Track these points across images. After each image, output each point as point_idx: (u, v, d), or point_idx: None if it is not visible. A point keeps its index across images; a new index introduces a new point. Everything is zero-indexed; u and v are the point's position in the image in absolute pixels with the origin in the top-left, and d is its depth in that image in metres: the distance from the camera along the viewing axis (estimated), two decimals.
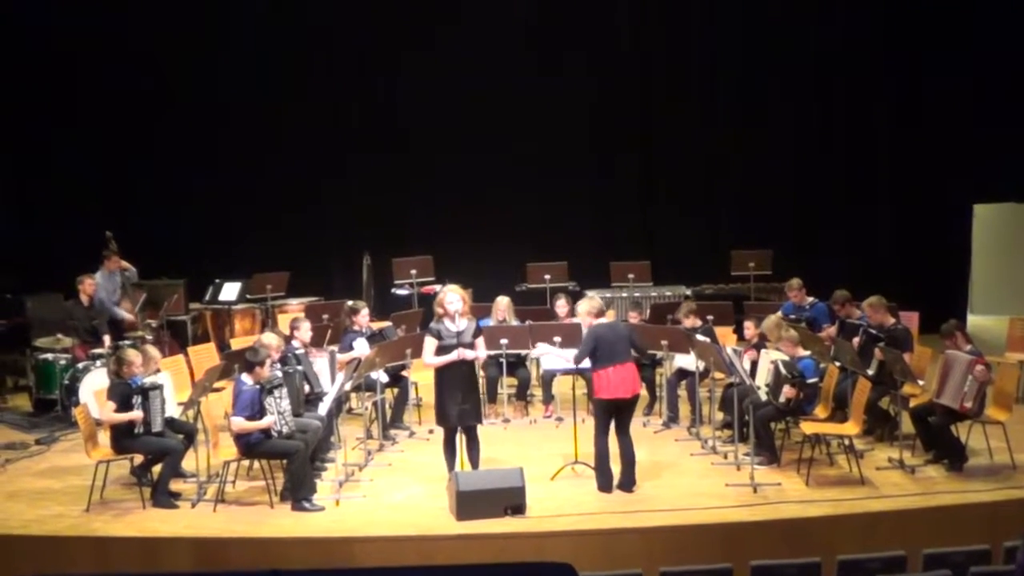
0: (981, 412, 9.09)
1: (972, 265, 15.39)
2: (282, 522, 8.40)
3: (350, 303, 11.26)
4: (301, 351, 9.89)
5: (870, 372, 9.57)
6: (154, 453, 8.90)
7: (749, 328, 10.33)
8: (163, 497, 8.72)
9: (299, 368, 9.52)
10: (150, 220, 14.51)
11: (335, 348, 10.68)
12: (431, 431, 10.56)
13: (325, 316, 11.77)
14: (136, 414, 8.66)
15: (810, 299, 11.38)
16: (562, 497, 8.72)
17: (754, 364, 9.92)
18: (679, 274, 14.20)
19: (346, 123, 15.30)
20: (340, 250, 15.15)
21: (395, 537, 8.12)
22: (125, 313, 11.89)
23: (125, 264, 12.35)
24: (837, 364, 9.68)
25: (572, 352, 9.13)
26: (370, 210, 15.10)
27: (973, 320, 14.95)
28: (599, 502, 8.62)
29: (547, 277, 13.47)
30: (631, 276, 13.49)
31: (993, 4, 14.38)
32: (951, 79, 14.64)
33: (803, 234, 15.02)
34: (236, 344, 11.93)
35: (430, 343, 8.74)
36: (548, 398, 11.30)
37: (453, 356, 8.64)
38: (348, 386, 9.50)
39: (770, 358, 9.55)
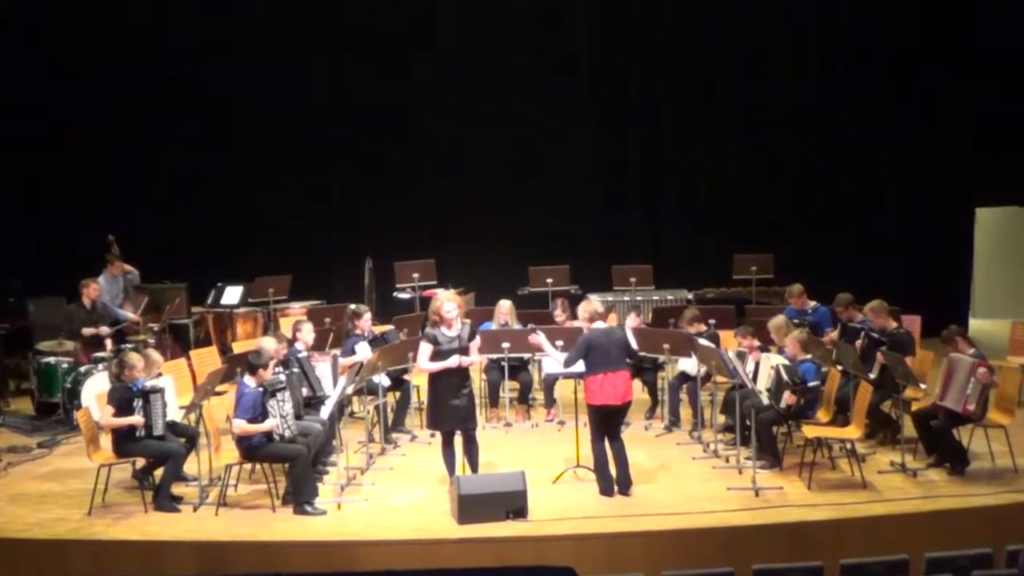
0: (984, 416, 9.09)
1: (974, 269, 15.39)
2: (284, 526, 8.39)
3: (352, 307, 11.26)
4: (304, 355, 9.90)
5: (872, 376, 9.58)
6: (156, 457, 8.89)
7: (743, 340, 10.23)
8: (165, 501, 8.72)
9: (295, 371, 9.51)
10: (152, 223, 14.53)
11: (337, 352, 10.68)
12: (433, 435, 10.53)
13: (327, 320, 11.77)
14: (137, 418, 8.66)
15: (812, 303, 11.37)
16: (564, 501, 8.71)
17: (757, 365, 9.91)
18: (681, 278, 14.20)
19: (349, 126, 15.30)
20: (342, 254, 15.15)
21: (397, 541, 8.11)
22: (128, 314, 11.89)
23: (128, 267, 12.37)
24: (839, 368, 9.68)
25: (565, 355, 9.08)
26: (372, 214, 15.13)
27: (975, 324, 14.95)
28: (601, 506, 8.61)
29: (549, 281, 13.46)
30: (633, 280, 13.50)
31: (994, 9, 14.39)
32: (953, 82, 14.66)
33: (805, 238, 15.02)
34: (238, 348, 11.93)
35: (425, 348, 8.74)
36: (550, 402, 11.30)
37: (452, 363, 8.64)
38: (350, 390, 9.50)
39: (771, 362, 9.54)
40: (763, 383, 9.56)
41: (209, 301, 13.76)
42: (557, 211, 15.11)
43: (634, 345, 9.14)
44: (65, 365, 11.41)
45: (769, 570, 6.64)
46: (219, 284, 13.79)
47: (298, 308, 13.30)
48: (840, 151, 15.26)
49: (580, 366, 8.80)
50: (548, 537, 8.07)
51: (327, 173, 15.28)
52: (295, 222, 14.98)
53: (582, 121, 15.32)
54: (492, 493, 8.29)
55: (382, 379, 10.16)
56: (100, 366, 11.19)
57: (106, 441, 8.98)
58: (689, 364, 10.54)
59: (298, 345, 9.94)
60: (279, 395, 8.67)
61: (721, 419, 10.34)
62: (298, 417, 9.03)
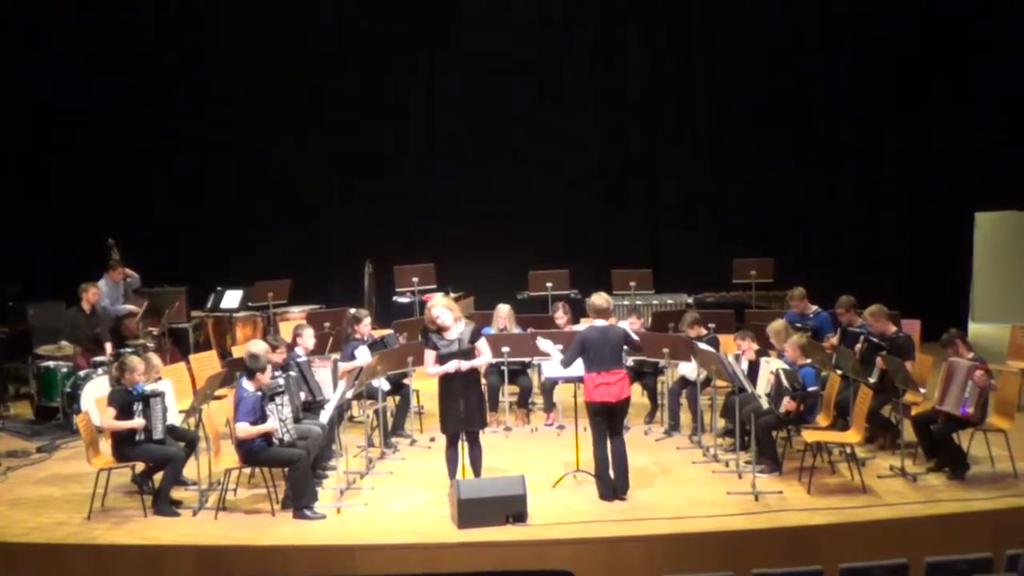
0: (983, 420, 9.09)
1: (973, 273, 15.40)
2: (283, 530, 8.39)
3: (352, 311, 11.25)
4: (304, 359, 9.90)
5: (872, 380, 9.58)
6: (155, 461, 8.89)
7: (742, 344, 10.24)
8: (164, 505, 8.72)
9: (292, 374, 9.51)
10: (152, 227, 14.55)
11: (337, 356, 10.68)
12: (432, 439, 10.57)
13: (327, 324, 11.78)
14: (138, 422, 8.66)
15: (814, 308, 11.35)
16: (563, 505, 8.71)
17: (751, 365, 9.92)
18: (681, 282, 14.20)
19: (349, 132, 15.31)
20: (342, 258, 15.16)
21: (396, 545, 8.11)
22: (128, 306, 11.86)
23: (128, 271, 12.36)
24: (839, 372, 9.68)
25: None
26: (372, 218, 15.13)
27: (974, 328, 14.96)
28: (600, 510, 8.61)
29: (549, 285, 13.46)
30: (633, 284, 13.49)
31: (995, 13, 14.41)
32: (953, 86, 14.67)
33: (805, 242, 15.04)
34: (238, 352, 11.91)
35: (428, 355, 8.80)
36: (549, 406, 11.29)
37: (450, 368, 8.66)
38: (350, 394, 9.50)
39: (771, 367, 9.54)
40: (763, 388, 9.56)
41: (209, 305, 13.77)
42: (557, 215, 15.12)
43: (634, 337, 9.11)
44: (65, 369, 11.41)
45: (769, 574, 6.63)
46: (219, 288, 13.80)
47: (298, 312, 13.31)
48: (840, 155, 15.26)
49: (579, 367, 8.83)
50: (548, 541, 8.07)
51: (327, 177, 15.29)
52: (295, 226, 14.99)
53: (582, 125, 15.33)
54: (492, 497, 8.29)
55: (382, 383, 10.16)
56: (100, 370, 11.20)
57: (106, 445, 8.98)
58: (689, 369, 10.54)
59: (298, 350, 9.94)
60: (278, 399, 8.66)
61: (721, 423, 10.34)
62: (297, 421, 9.03)
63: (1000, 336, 12.88)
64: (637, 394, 10.39)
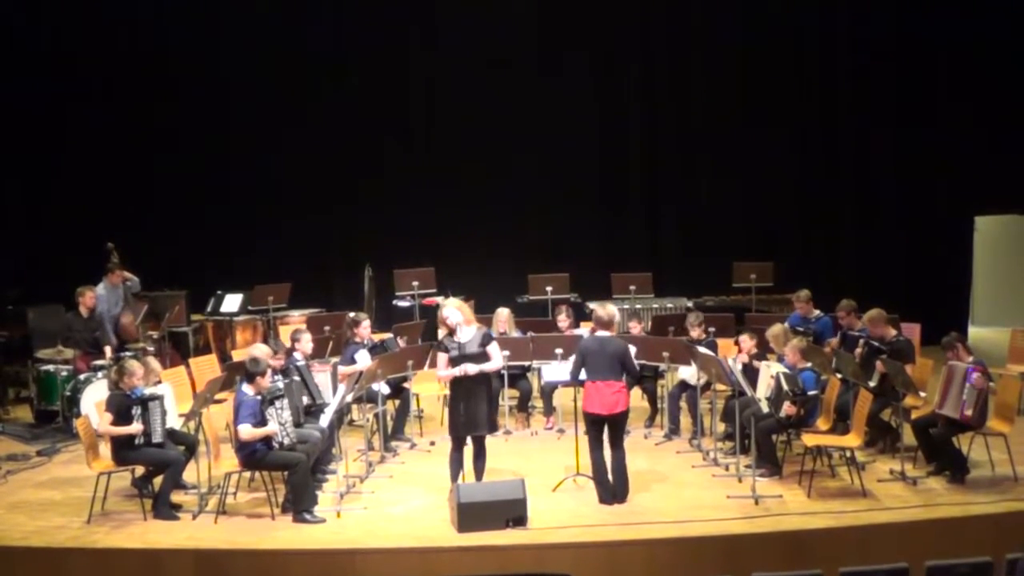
0: (983, 423, 9.08)
1: (974, 277, 15.40)
2: (283, 534, 8.38)
3: (352, 315, 11.26)
4: (303, 363, 9.89)
5: (871, 384, 9.57)
6: (155, 464, 8.89)
7: (745, 341, 10.26)
8: (164, 509, 8.71)
9: (296, 379, 9.52)
10: (151, 231, 14.55)
11: (336, 360, 10.68)
12: (432, 443, 10.58)
13: (326, 328, 11.78)
14: (136, 427, 8.66)
15: (816, 312, 11.34)
16: (563, 509, 8.71)
17: (746, 367, 9.91)
18: (681, 286, 14.20)
19: (348, 135, 15.32)
20: (341, 262, 15.16)
21: (396, 549, 8.11)
22: (111, 337, 11.82)
23: (128, 275, 12.36)
24: (839, 376, 9.67)
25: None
26: (371, 221, 15.13)
27: (974, 332, 14.95)
28: (600, 514, 8.60)
29: (549, 289, 13.46)
30: (633, 288, 13.48)
31: (994, 16, 14.41)
32: (953, 90, 14.68)
33: (805, 246, 15.03)
34: (237, 356, 11.91)
35: (441, 357, 8.81)
36: (549, 410, 11.29)
37: (456, 372, 8.66)
38: (350, 398, 9.49)
39: (771, 371, 9.54)
40: (763, 392, 9.56)
41: (208, 309, 13.77)
42: (557, 219, 15.13)
43: (633, 361, 9.02)
44: (64, 373, 11.41)
45: None
46: (219, 292, 13.80)
47: (297, 316, 13.31)
48: (840, 158, 15.27)
49: (582, 372, 8.86)
50: (548, 545, 8.06)
51: (326, 181, 15.27)
52: (294, 230, 14.98)
53: (582, 128, 15.34)
54: (492, 501, 8.28)
55: (381, 387, 10.16)
56: (99, 374, 11.19)
57: (105, 449, 8.97)
58: (689, 373, 10.54)
59: (296, 354, 9.93)
60: (277, 403, 8.66)
61: (721, 427, 10.34)
62: (297, 425, 9.02)
63: (1000, 340, 12.87)
64: (637, 398, 10.39)
